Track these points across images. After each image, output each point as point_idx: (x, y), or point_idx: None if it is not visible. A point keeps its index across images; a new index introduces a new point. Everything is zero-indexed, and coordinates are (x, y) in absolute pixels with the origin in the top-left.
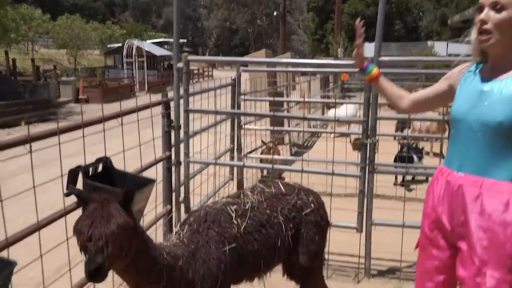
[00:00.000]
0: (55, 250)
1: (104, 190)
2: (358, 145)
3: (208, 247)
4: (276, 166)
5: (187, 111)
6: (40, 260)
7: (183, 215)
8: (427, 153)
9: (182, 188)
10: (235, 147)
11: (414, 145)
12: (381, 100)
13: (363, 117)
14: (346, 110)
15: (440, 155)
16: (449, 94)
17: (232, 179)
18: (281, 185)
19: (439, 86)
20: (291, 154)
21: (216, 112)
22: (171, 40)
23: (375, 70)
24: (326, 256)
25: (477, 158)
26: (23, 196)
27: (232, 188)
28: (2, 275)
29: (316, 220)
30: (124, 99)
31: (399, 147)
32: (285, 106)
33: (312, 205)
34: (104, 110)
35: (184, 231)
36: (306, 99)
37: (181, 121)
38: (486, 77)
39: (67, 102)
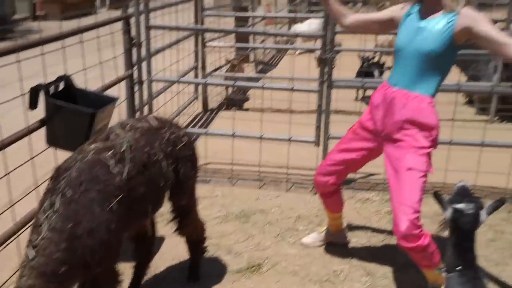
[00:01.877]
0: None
1: (67, 108)
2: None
3: (90, 212)
4: (238, 83)
5: (148, 28)
6: (8, 179)
7: None
8: (388, 68)
9: (146, 108)
10: (199, 65)
11: (375, 60)
12: None
13: (322, 32)
14: (309, 25)
15: None
16: (388, 24)
17: (197, 98)
18: (151, 119)
19: (382, 15)
20: (256, 72)
21: (177, 28)
22: None
23: None
24: (286, 170)
25: (409, 77)
26: None
27: (197, 107)
28: None
29: (189, 154)
30: (84, 16)
31: (361, 62)
32: (250, 21)
33: (184, 139)
34: (63, 28)
35: (55, 207)
36: (272, 14)
37: (143, 38)
38: (422, 17)
39: (24, 19)
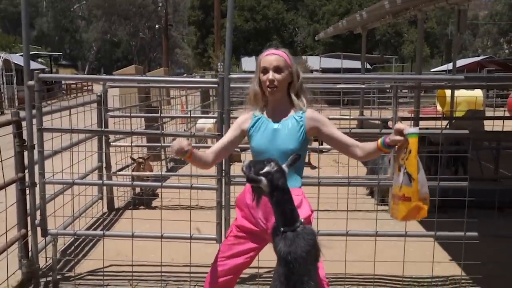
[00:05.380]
0: None
1: None
2: (233, 158)
3: None
4: (136, 183)
5: (40, 130)
6: None
7: (40, 239)
8: None
9: (39, 211)
10: (104, 165)
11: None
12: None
13: (217, 131)
14: (205, 123)
15: (309, 165)
16: (240, 136)
17: (102, 198)
18: None
19: (233, 133)
20: (167, 170)
21: (71, 131)
22: (45, 52)
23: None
24: (189, 269)
25: None
26: None
27: (102, 207)
28: None
29: None
30: None
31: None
32: (160, 121)
33: None
34: None
35: None
36: (181, 114)
37: (36, 140)
38: (273, 120)
39: None
